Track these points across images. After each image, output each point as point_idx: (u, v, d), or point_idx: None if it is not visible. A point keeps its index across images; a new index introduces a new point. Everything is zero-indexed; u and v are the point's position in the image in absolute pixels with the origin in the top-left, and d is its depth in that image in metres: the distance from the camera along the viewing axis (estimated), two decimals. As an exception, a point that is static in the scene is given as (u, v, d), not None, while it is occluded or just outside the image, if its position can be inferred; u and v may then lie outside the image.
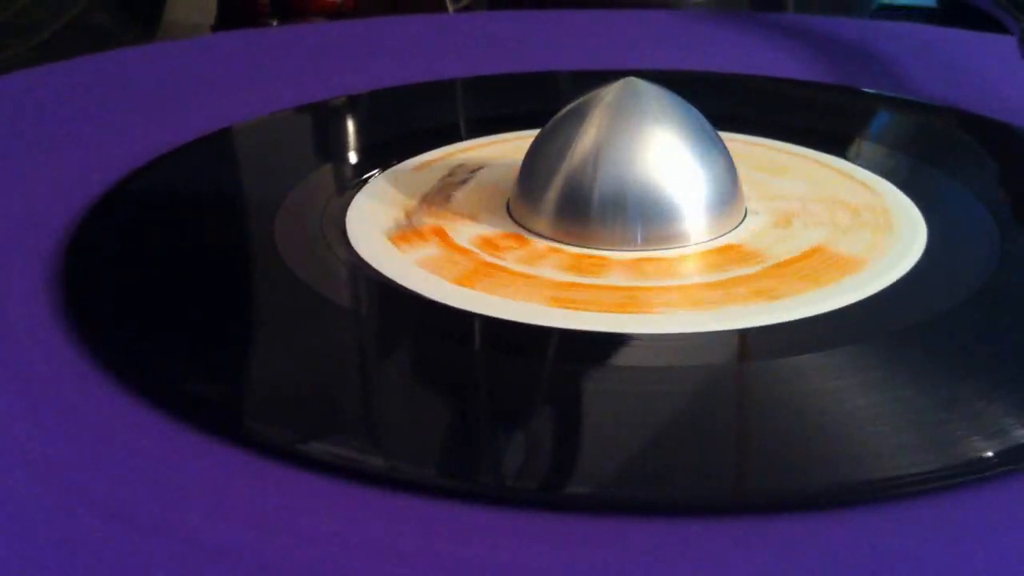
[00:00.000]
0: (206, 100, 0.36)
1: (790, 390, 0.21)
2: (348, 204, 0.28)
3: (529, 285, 0.24)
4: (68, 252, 0.26)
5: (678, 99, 0.27)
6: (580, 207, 0.26)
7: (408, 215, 0.28)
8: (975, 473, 0.18)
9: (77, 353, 0.22)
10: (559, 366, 0.22)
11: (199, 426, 0.19)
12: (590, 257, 0.25)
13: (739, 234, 0.26)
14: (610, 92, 0.26)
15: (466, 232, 0.27)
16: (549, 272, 0.25)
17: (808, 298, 0.23)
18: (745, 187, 0.28)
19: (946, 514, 0.17)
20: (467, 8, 0.69)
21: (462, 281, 0.24)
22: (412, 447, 0.19)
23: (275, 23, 0.73)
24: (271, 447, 0.19)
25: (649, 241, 0.25)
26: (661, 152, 0.26)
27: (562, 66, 0.41)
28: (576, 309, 0.23)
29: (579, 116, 0.26)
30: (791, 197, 0.28)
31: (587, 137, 0.26)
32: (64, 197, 0.29)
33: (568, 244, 0.26)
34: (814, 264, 0.25)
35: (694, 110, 0.27)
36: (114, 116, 0.35)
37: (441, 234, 0.27)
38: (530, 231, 0.26)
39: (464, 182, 0.29)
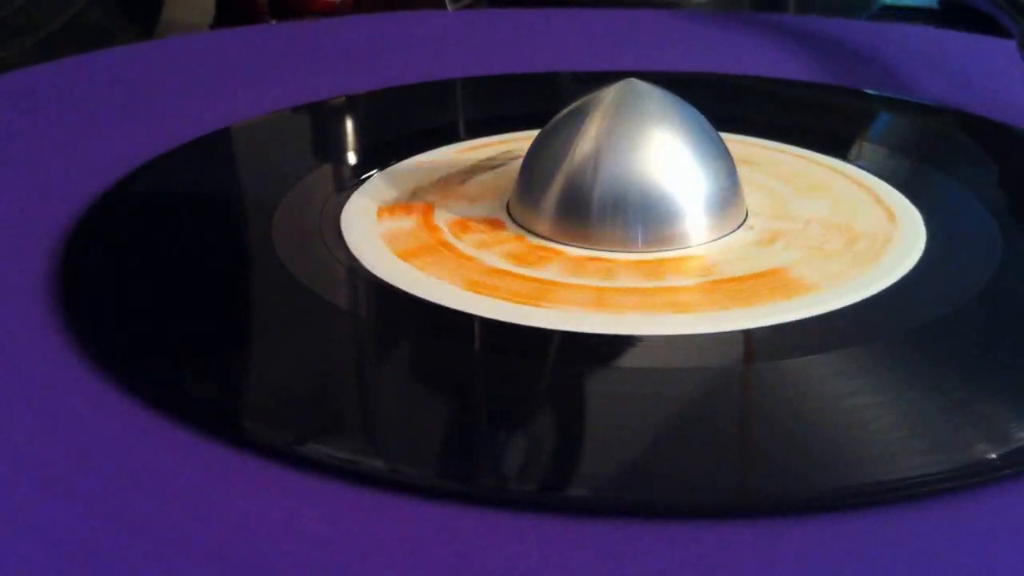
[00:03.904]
0: (205, 100, 0.36)
1: (791, 392, 0.21)
2: (345, 204, 0.28)
3: (462, 267, 0.24)
4: (67, 252, 0.26)
5: (679, 100, 0.27)
6: (580, 208, 0.26)
7: (416, 191, 0.28)
8: (979, 476, 0.18)
9: (75, 353, 0.22)
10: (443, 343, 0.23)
11: (197, 427, 0.19)
12: (542, 249, 0.25)
13: (711, 246, 0.26)
14: (610, 93, 0.26)
15: (452, 213, 0.27)
16: (491, 258, 0.25)
17: (718, 316, 0.23)
18: (764, 201, 0.28)
19: (950, 517, 0.17)
20: (468, 7, 0.69)
21: (404, 255, 0.25)
22: (412, 448, 0.19)
23: (274, 23, 0.72)
24: (269, 448, 0.19)
25: (648, 243, 0.25)
26: (661, 153, 0.26)
27: (562, 66, 0.40)
28: (481, 294, 0.23)
29: (579, 117, 0.26)
30: (799, 218, 0.27)
31: (587, 138, 0.26)
32: (62, 197, 0.28)
33: (563, 243, 0.26)
34: (759, 285, 0.24)
35: (695, 111, 0.27)
36: (112, 116, 0.35)
37: (427, 211, 0.27)
38: (529, 231, 0.26)
39: (494, 168, 0.30)
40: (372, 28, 0.46)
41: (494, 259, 0.25)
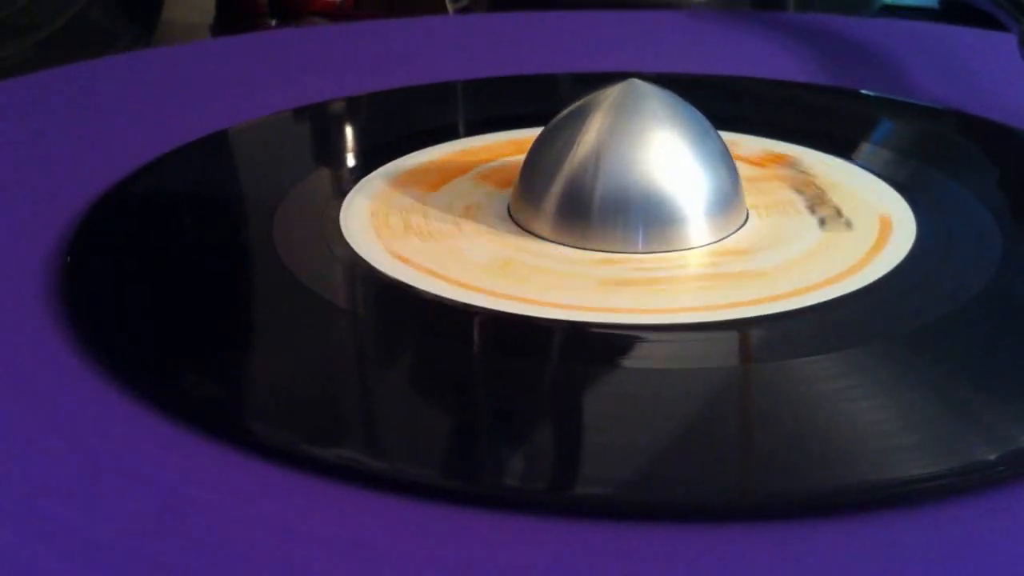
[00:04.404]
0: (205, 103, 0.36)
1: (791, 392, 0.21)
2: (346, 205, 0.28)
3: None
4: (68, 253, 0.26)
5: (679, 100, 0.27)
6: (580, 208, 0.26)
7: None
8: (978, 476, 0.18)
9: (77, 354, 0.22)
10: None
11: (199, 427, 0.19)
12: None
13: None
14: (611, 93, 0.26)
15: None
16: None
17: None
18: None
19: (948, 517, 0.17)
20: (466, 9, 0.69)
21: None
22: (414, 449, 0.19)
23: (274, 23, 0.73)
24: (271, 448, 0.19)
25: (649, 243, 0.25)
26: (662, 154, 0.26)
27: (563, 67, 0.40)
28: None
29: (580, 117, 0.26)
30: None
31: (588, 138, 0.26)
32: (64, 199, 0.28)
33: (564, 243, 0.26)
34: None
35: (695, 111, 0.27)
36: (114, 119, 0.35)
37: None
38: (529, 231, 0.26)
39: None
40: (372, 32, 0.46)
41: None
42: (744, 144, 0.31)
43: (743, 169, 0.27)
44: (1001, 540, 0.17)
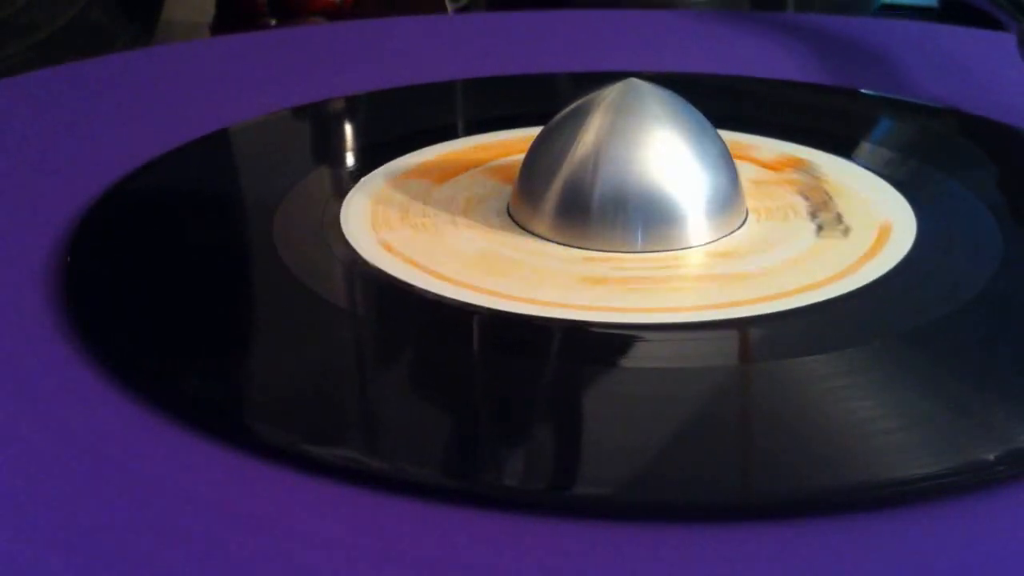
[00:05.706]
0: (205, 102, 0.36)
1: (791, 392, 0.21)
2: (346, 204, 0.28)
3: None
4: (68, 252, 0.26)
5: (679, 100, 0.27)
6: (580, 208, 0.26)
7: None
8: (978, 476, 0.18)
9: (77, 353, 0.22)
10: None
11: (199, 427, 0.19)
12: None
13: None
14: (611, 93, 0.26)
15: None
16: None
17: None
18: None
19: (949, 517, 0.17)
20: (466, 8, 0.69)
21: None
22: (415, 448, 0.19)
23: (273, 23, 0.73)
24: (271, 448, 0.19)
25: (648, 242, 0.25)
26: (661, 153, 0.26)
27: (562, 67, 0.40)
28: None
29: (580, 117, 0.26)
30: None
31: (588, 138, 0.26)
32: (64, 197, 0.28)
33: (563, 243, 0.26)
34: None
35: (695, 111, 0.27)
36: (114, 118, 0.35)
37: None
38: (529, 231, 0.26)
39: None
40: (372, 32, 0.46)
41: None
42: (762, 147, 0.31)
43: (755, 172, 0.27)
44: (1001, 540, 0.17)
